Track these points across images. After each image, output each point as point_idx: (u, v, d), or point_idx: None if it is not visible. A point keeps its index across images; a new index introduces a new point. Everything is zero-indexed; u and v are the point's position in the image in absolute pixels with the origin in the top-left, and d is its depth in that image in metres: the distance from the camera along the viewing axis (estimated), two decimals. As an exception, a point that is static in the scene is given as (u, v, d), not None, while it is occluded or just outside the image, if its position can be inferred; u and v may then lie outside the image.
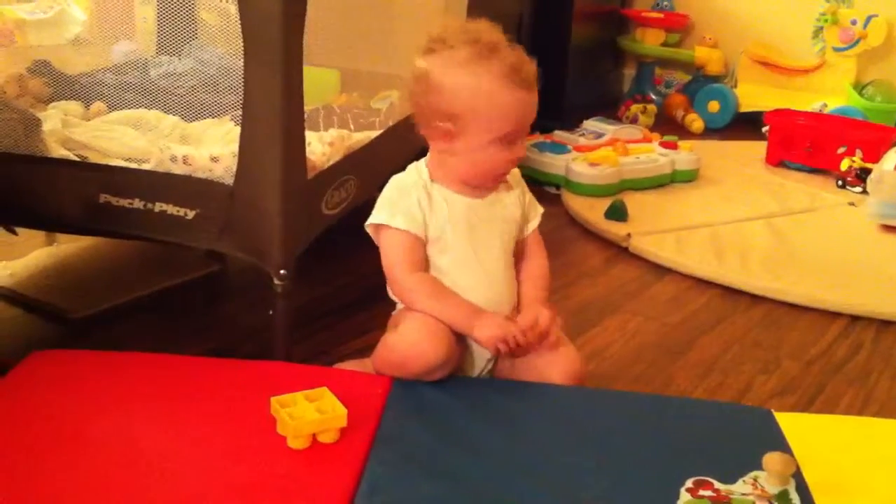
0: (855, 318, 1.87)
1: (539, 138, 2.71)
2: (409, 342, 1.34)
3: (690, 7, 3.70)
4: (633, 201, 2.39)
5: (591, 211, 2.35)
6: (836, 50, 3.36)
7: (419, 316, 1.36)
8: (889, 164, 2.36)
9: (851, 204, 2.56)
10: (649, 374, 1.61)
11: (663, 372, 1.62)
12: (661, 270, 2.08)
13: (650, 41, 3.64)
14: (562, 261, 2.01)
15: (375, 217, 1.38)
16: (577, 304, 1.87)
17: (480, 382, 1.46)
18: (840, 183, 2.71)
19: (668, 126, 3.30)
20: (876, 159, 2.52)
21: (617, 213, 2.30)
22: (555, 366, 1.39)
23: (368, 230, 1.40)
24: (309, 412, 1.23)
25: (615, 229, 2.24)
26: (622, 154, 2.58)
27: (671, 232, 2.25)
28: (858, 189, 2.63)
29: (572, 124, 2.85)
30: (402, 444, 1.25)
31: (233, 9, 1.35)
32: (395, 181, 1.41)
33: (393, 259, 1.38)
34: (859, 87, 3.32)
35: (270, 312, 1.46)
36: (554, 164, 2.55)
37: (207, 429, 1.26)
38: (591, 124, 2.82)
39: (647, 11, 3.69)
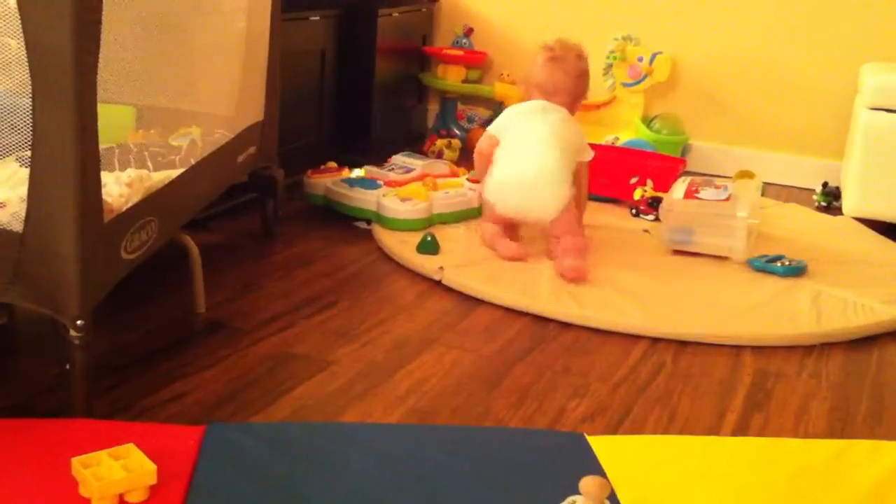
0: (655, 340, 1.96)
1: (349, 174, 2.71)
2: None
3: (488, 45, 3.83)
4: (443, 235, 2.43)
5: (404, 245, 2.36)
6: (625, 85, 3.56)
7: None
8: (678, 193, 2.50)
9: (646, 231, 2.70)
10: (467, 405, 1.62)
11: (481, 403, 1.63)
12: (474, 302, 2.11)
13: (451, 78, 3.73)
14: (377, 296, 2.00)
15: (590, 153, 2.45)
16: (395, 339, 1.86)
17: (298, 427, 1.42)
18: (634, 211, 2.86)
19: (472, 161, 3.36)
20: (666, 188, 2.67)
21: (429, 246, 2.32)
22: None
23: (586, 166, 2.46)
24: (114, 471, 1.16)
25: (428, 263, 2.26)
26: (432, 189, 2.62)
27: (482, 263, 2.29)
28: (651, 217, 2.78)
29: (379, 159, 2.86)
30: (218, 497, 1.20)
31: (14, 43, 1.26)
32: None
33: None
34: (647, 121, 3.53)
35: (67, 367, 1.36)
36: (365, 199, 2.55)
37: (1, 498, 1.16)
38: (399, 159, 2.84)
39: (447, 49, 3.78)
